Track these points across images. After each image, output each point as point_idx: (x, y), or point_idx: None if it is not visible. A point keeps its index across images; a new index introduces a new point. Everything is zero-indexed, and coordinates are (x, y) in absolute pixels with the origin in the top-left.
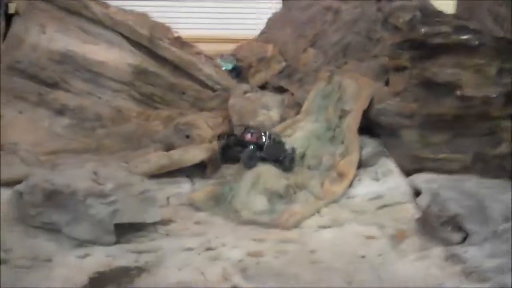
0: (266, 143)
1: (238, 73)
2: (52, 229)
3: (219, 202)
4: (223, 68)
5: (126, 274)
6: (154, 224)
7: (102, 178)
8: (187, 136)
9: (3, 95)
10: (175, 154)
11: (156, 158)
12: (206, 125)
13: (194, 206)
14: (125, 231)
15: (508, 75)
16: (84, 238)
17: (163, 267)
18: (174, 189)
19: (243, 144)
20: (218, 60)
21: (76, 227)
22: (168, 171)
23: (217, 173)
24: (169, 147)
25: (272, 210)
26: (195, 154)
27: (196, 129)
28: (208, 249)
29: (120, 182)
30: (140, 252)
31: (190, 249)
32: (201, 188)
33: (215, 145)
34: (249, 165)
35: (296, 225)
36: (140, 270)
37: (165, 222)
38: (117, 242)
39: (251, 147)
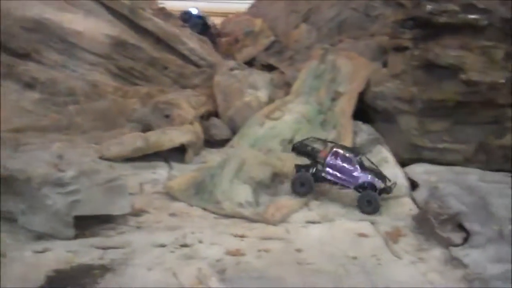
0: (327, 159)
1: (205, 28)
2: (8, 219)
3: (199, 191)
4: (189, 10)
5: (88, 273)
6: (124, 215)
7: (65, 163)
8: (167, 116)
9: None
10: (153, 136)
11: (131, 140)
12: (188, 105)
13: (171, 195)
14: (90, 222)
15: None
16: (41, 230)
17: (130, 266)
18: (150, 175)
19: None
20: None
21: (33, 218)
22: (144, 154)
23: (197, 158)
24: (146, 128)
25: (257, 202)
26: (174, 136)
27: (176, 109)
28: (183, 246)
29: (84, 169)
30: (106, 248)
31: (162, 245)
32: (180, 175)
33: (197, 127)
34: (298, 192)
35: (283, 220)
36: (104, 269)
37: (136, 212)
38: (80, 235)
39: (313, 170)
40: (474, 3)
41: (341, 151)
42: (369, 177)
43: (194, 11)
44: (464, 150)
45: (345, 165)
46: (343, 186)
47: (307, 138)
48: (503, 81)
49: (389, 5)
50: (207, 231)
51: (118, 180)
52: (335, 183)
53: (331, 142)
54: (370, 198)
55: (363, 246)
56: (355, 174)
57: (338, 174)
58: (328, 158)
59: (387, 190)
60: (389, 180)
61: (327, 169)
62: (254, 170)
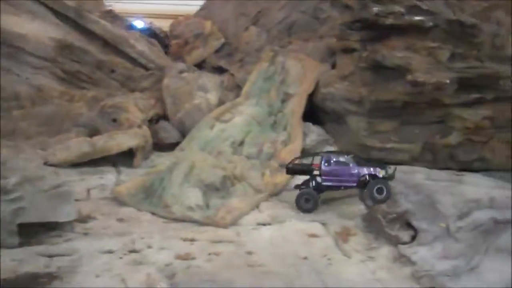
0: (322, 168)
1: (154, 37)
2: None
3: (148, 196)
4: (132, 24)
5: (34, 281)
6: (70, 222)
7: (9, 169)
8: (114, 120)
9: None
10: (99, 140)
11: (77, 145)
12: (136, 108)
13: (119, 200)
14: (36, 230)
15: (461, 60)
16: None
17: (78, 274)
18: (97, 180)
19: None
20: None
21: None
22: (91, 159)
23: (146, 162)
24: (93, 132)
25: (207, 205)
26: (122, 140)
27: (124, 112)
28: (132, 251)
29: (29, 176)
30: (52, 256)
31: (110, 251)
32: (128, 180)
33: (145, 130)
34: (305, 209)
35: (234, 223)
36: (51, 277)
37: (83, 219)
38: (25, 243)
39: (313, 184)
40: (419, 4)
41: (331, 156)
42: (366, 170)
43: (140, 24)
44: (411, 150)
45: (340, 167)
46: (347, 187)
47: (295, 158)
48: (448, 81)
49: (336, 7)
50: (156, 236)
51: (64, 186)
52: (338, 187)
53: (317, 153)
54: (379, 186)
55: (313, 246)
56: (352, 171)
57: (337, 178)
58: (323, 167)
59: (389, 176)
60: (390, 167)
61: (325, 177)
62: (204, 173)
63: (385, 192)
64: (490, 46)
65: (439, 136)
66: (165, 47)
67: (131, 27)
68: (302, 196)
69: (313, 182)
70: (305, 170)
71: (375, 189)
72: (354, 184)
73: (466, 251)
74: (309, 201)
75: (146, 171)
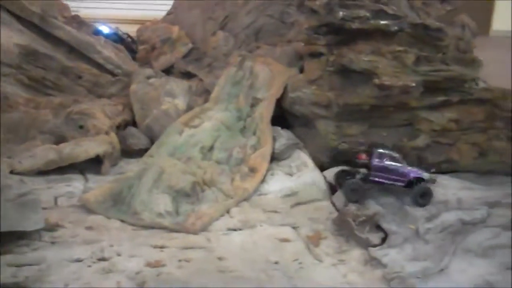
0: (374, 163)
1: (121, 42)
2: None
3: (117, 203)
4: (98, 29)
5: None
6: (38, 230)
7: None
8: (81, 127)
9: None
10: (66, 147)
11: (44, 153)
12: (103, 114)
13: (87, 208)
14: (2, 240)
15: (426, 63)
16: None
17: (46, 283)
18: (64, 188)
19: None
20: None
21: None
22: (58, 167)
23: (115, 169)
24: (59, 140)
25: (177, 211)
26: (89, 147)
27: (91, 119)
28: (101, 259)
29: None
30: (19, 266)
31: (79, 260)
32: (96, 187)
33: (113, 137)
34: (352, 199)
35: (204, 229)
36: (19, 287)
37: (51, 227)
38: None
39: (359, 176)
40: (385, 9)
41: (386, 151)
42: (417, 171)
43: (106, 29)
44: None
45: (392, 163)
46: (392, 185)
47: (341, 144)
48: (414, 84)
49: (303, 12)
50: (126, 243)
51: (30, 195)
52: (382, 183)
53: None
54: (424, 191)
55: (285, 250)
56: (404, 170)
57: (387, 175)
58: (375, 161)
59: (432, 180)
60: (430, 172)
61: (375, 172)
62: (174, 179)
63: (427, 197)
64: (455, 49)
65: (406, 138)
66: (132, 52)
67: (97, 32)
68: (351, 186)
69: (360, 173)
70: (352, 161)
71: (420, 194)
72: (403, 184)
73: (435, 252)
74: (357, 191)
75: (115, 178)
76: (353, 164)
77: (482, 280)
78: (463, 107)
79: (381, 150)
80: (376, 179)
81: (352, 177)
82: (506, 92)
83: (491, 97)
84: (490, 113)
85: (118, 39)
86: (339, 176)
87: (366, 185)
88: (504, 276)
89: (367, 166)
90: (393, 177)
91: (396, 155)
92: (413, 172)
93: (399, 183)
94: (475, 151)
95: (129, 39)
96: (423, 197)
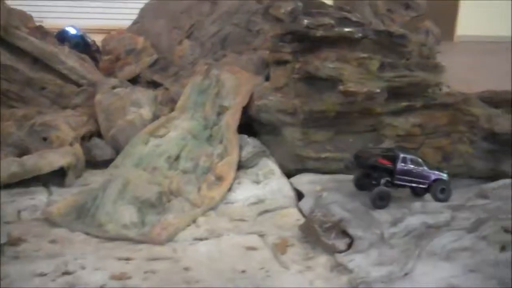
0: (398, 168)
1: (86, 47)
2: None
3: (81, 215)
4: (65, 29)
5: None
6: (0, 245)
7: None
8: (44, 139)
9: None
10: (29, 160)
11: (6, 165)
12: (67, 126)
13: (51, 221)
14: None
15: (390, 69)
16: None
17: None
18: (28, 201)
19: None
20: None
21: None
22: (21, 179)
23: (79, 181)
24: (23, 152)
25: (143, 222)
26: (53, 159)
27: (54, 130)
28: (65, 273)
29: None
30: None
31: (43, 274)
32: (60, 200)
33: (77, 148)
34: (379, 206)
35: (170, 239)
36: None
37: (14, 242)
38: None
39: (384, 181)
40: (349, 16)
41: (408, 156)
42: (438, 173)
43: (73, 31)
44: (346, 159)
45: (415, 167)
46: (414, 188)
47: (364, 150)
48: (378, 90)
49: (268, 20)
50: (90, 256)
51: None
52: (404, 186)
53: (389, 149)
54: (443, 186)
55: (251, 259)
56: (425, 173)
57: (411, 178)
58: (399, 166)
59: (449, 181)
60: (444, 172)
61: (399, 176)
62: (139, 189)
63: (446, 192)
64: (418, 55)
65: (372, 144)
66: (94, 60)
67: (63, 32)
68: (379, 194)
69: (385, 179)
70: (373, 166)
71: (439, 189)
72: (425, 187)
73: (400, 256)
74: (384, 199)
75: (79, 190)
76: (372, 168)
77: (445, 283)
78: (427, 112)
79: (404, 155)
80: (400, 182)
81: (377, 183)
82: (468, 96)
83: (453, 102)
84: (453, 117)
85: (82, 42)
86: (360, 180)
87: (391, 190)
88: (467, 278)
89: (388, 170)
90: (417, 179)
91: (418, 159)
92: (434, 174)
93: (422, 186)
94: (439, 155)
95: (95, 47)
96: (443, 192)
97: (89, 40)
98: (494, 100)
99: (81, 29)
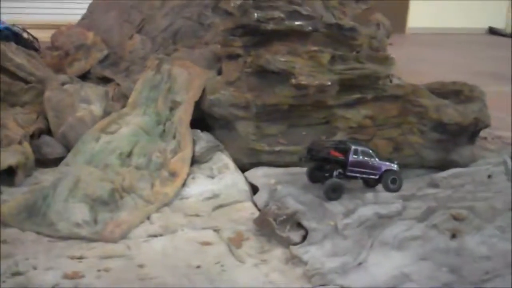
0: (350, 159)
1: (18, 40)
2: None
3: (32, 215)
4: None
5: None
6: None
7: None
8: None
9: None
10: None
11: None
12: (15, 124)
13: (1, 221)
14: None
15: (341, 62)
16: None
17: None
18: None
19: (330, 161)
20: None
21: None
22: None
23: (29, 180)
24: None
25: (95, 220)
26: (1, 158)
27: (3, 129)
28: (16, 274)
29: None
30: None
31: None
32: (9, 199)
33: (26, 146)
34: (332, 198)
35: (123, 236)
36: None
37: None
38: None
39: (336, 173)
40: (299, 10)
41: (360, 147)
42: (388, 164)
43: None
44: (299, 151)
45: (366, 158)
46: (366, 179)
47: (317, 143)
48: (329, 83)
49: (218, 14)
50: (42, 256)
51: None
52: (357, 178)
53: (340, 141)
54: (394, 177)
55: (206, 254)
56: (376, 164)
57: (362, 169)
58: (351, 157)
59: (400, 171)
60: (395, 163)
61: (351, 167)
62: (91, 187)
63: (397, 183)
64: (368, 48)
65: (325, 136)
66: (35, 50)
67: None
68: (331, 186)
69: (337, 172)
70: (326, 158)
71: (390, 179)
72: (377, 177)
73: (353, 247)
74: (336, 191)
75: (29, 189)
76: (324, 160)
77: (398, 272)
78: (378, 103)
79: (355, 147)
80: (352, 174)
81: (329, 175)
82: (417, 88)
83: (403, 93)
84: (403, 108)
85: (11, 34)
86: (313, 172)
87: (344, 182)
88: (419, 266)
89: (340, 162)
90: (367, 171)
91: (369, 150)
92: (385, 165)
93: (373, 176)
94: (391, 146)
95: (28, 37)
96: (394, 182)
97: (17, 30)
98: (442, 91)
99: (3, 21)
